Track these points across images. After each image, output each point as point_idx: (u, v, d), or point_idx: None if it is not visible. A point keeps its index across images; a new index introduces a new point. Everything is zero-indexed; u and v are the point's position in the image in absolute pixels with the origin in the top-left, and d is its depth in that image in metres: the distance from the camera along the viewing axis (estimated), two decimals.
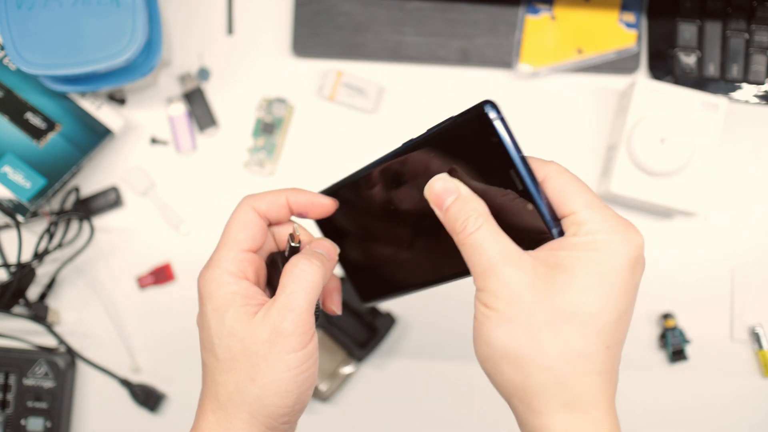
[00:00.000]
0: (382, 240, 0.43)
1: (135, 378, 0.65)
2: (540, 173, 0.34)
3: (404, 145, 0.39)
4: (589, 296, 0.31)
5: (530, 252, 0.33)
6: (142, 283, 0.66)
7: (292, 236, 0.41)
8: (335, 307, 0.44)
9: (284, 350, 0.37)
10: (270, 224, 0.43)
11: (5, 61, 0.62)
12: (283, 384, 0.37)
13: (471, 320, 0.65)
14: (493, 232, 0.33)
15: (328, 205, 0.43)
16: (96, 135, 0.63)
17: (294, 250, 0.41)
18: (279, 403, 0.37)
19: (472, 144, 0.34)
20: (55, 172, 0.61)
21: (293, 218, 0.44)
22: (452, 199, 0.34)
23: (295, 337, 0.37)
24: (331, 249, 0.42)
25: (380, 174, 0.41)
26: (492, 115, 0.33)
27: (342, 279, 0.64)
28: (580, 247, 0.32)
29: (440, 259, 0.40)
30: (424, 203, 0.36)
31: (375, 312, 0.64)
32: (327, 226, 0.47)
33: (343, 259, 0.46)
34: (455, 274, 0.39)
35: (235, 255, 0.40)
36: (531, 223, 0.34)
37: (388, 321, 0.63)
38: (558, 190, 0.33)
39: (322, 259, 0.40)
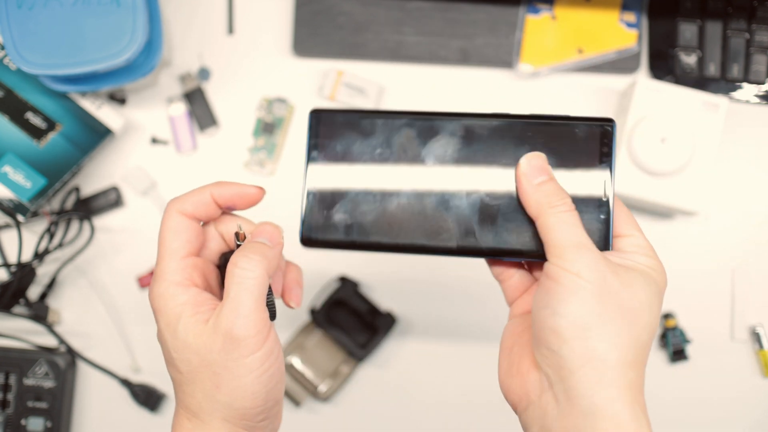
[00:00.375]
0: (389, 187, 0.40)
1: (135, 378, 0.65)
2: None
3: (505, 114, 0.39)
4: (656, 300, 0.36)
5: None
6: (143, 282, 0.66)
7: (237, 235, 0.40)
8: (294, 303, 0.43)
9: (241, 355, 0.36)
10: (205, 223, 0.42)
11: (5, 60, 0.62)
12: (248, 387, 0.37)
13: (471, 320, 0.64)
14: (579, 219, 0.36)
15: (255, 194, 0.42)
16: (96, 135, 0.63)
17: None
18: (249, 405, 0.37)
19: (578, 146, 0.38)
20: (55, 171, 0.61)
21: (237, 213, 0.42)
22: (545, 178, 0.37)
23: (249, 340, 0.36)
24: (274, 232, 0.40)
25: (448, 125, 0.40)
26: (615, 131, 0.38)
27: (343, 282, 0.64)
28: (643, 263, 0.37)
29: (439, 225, 0.39)
30: (480, 167, 0.39)
31: (375, 312, 0.64)
32: (328, 151, 0.42)
33: (320, 188, 0.41)
34: (441, 249, 0.39)
35: (176, 264, 0.39)
36: None
37: (389, 321, 0.63)
38: (620, 214, 0.38)
39: (262, 249, 0.38)
